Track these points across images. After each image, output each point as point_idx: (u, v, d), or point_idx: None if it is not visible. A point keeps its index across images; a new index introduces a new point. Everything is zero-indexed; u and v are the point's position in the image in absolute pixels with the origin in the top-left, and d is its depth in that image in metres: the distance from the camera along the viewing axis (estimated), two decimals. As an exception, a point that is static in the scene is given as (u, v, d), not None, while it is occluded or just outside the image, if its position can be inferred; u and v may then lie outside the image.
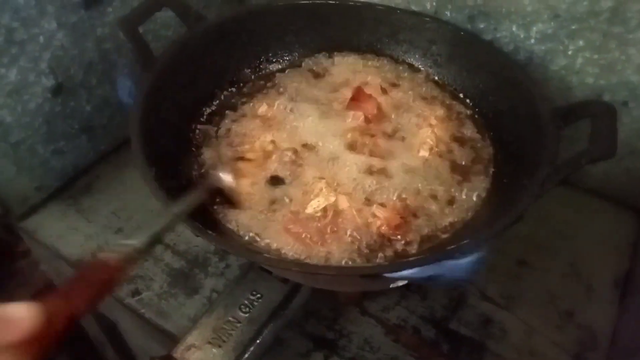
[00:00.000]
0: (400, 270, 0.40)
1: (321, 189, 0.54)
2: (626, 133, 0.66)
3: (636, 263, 0.66)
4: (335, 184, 0.55)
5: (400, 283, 0.51)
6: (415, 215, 0.54)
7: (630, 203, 0.72)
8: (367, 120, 0.62)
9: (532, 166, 0.49)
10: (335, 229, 0.52)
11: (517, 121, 0.57)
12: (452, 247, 0.43)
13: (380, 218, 0.52)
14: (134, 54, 0.69)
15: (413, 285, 0.63)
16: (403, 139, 0.61)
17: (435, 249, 0.50)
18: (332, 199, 0.53)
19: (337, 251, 0.50)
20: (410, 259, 0.46)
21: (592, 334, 0.60)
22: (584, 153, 0.46)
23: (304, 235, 0.51)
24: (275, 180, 0.56)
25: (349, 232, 0.51)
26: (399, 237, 0.51)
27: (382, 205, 0.54)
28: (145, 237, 0.40)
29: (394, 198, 0.55)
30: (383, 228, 0.51)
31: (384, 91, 0.66)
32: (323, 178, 0.55)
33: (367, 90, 0.64)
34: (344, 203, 0.53)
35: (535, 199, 0.45)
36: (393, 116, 0.64)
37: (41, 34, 0.63)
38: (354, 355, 0.58)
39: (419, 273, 0.41)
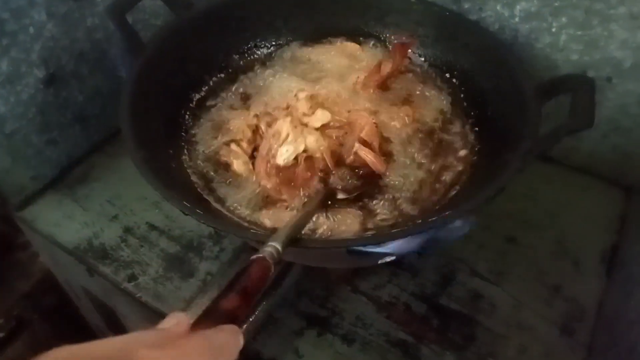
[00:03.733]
0: (383, 242, 0.41)
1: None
2: (611, 109, 0.66)
3: (622, 237, 0.67)
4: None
5: (389, 259, 0.52)
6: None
7: (616, 179, 0.72)
8: None
9: (514, 141, 0.49)
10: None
11: (500, 98, 0.58)
12: (435, 218, 0.44)
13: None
14: (122, 41, 0.69)
15: (404, 263, 0.64)
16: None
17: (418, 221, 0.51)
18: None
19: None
20: (393, 231, 0.47)
21: (579, 306, 0.61)
22: (563, 125, 0.47)
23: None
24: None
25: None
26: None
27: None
28: (282, 238, 0.41)
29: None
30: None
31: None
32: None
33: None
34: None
35: (516, 171, 0.46)
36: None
37: (31, 24, 0.64)
38: (347, 331, 0.59)
39: (403, 245, 0.42)
